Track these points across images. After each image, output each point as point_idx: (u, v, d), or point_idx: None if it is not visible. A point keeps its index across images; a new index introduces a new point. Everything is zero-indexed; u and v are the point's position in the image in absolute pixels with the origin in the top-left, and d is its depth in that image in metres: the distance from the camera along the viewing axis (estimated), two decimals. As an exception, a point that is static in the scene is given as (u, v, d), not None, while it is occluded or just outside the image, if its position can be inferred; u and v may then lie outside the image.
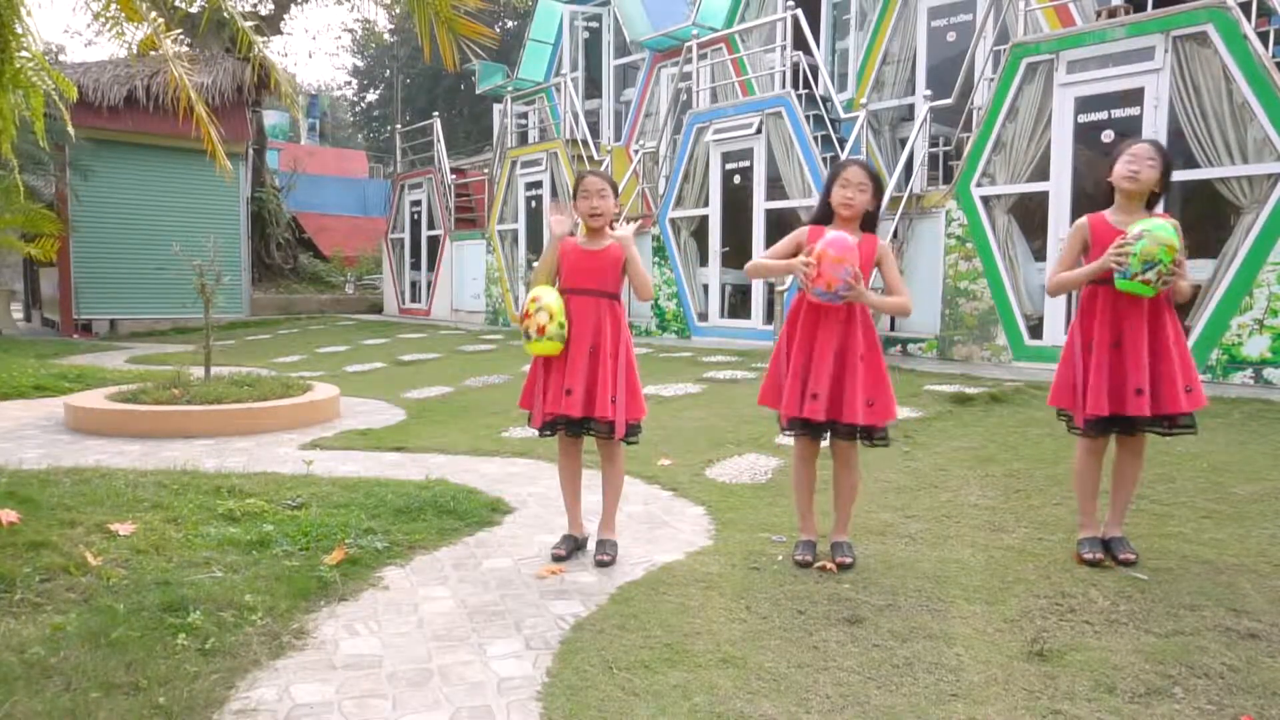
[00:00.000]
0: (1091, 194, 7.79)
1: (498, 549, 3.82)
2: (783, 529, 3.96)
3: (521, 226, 15.02)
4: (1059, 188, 8.02)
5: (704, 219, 11.64)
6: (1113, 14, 7.93)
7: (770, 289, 10.50)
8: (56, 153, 14.24)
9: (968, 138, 8.80)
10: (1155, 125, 7.37)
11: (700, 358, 9.17)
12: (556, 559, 3.64)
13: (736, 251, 11.22)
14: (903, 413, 6.01)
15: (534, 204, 14.69)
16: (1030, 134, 8.22)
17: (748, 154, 10.97)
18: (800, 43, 10.89)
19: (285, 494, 4.37)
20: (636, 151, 13.93)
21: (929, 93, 9.99)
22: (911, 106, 11.14)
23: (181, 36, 15.83)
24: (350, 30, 43.26)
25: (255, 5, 21.89)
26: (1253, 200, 6.93)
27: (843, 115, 11.27)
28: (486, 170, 18.12)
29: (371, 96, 43.73)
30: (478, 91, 21.22)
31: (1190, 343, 7.03)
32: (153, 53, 5.77)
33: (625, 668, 2.63)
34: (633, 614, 3.04)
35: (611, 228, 3.70)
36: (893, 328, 9.71)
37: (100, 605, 2.93)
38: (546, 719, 2.37)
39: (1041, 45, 8.10)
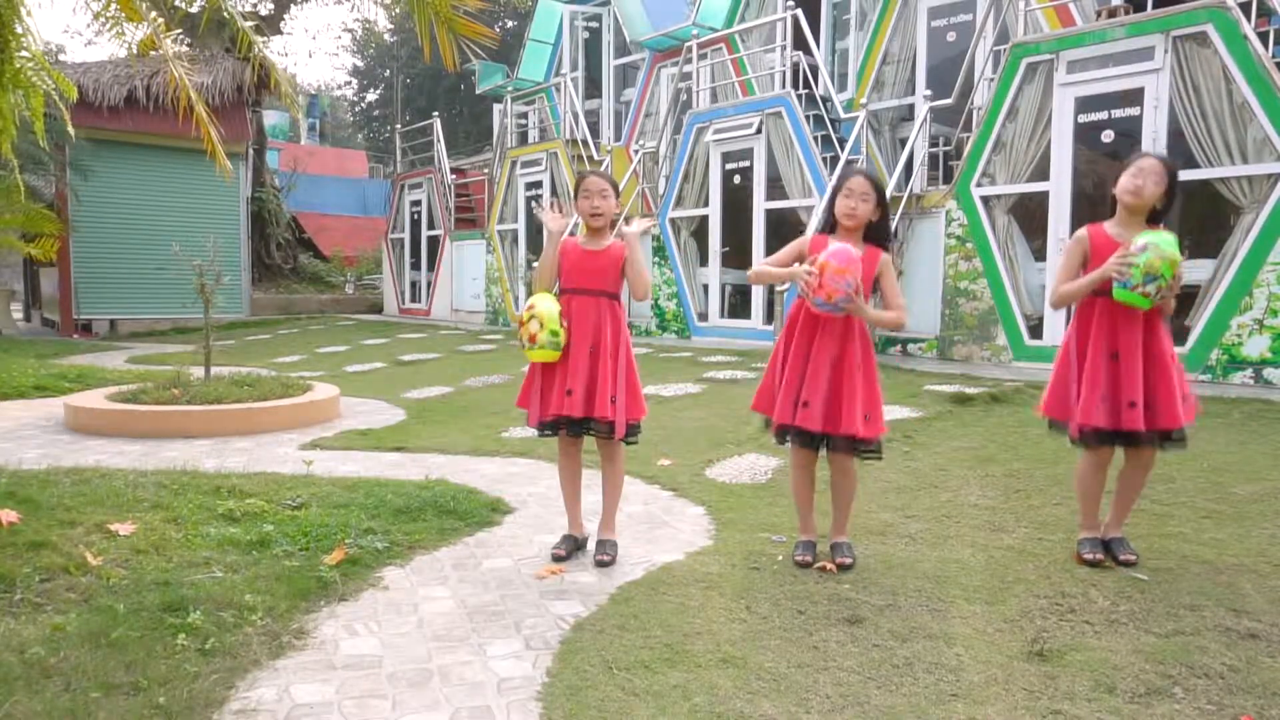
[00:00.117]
0: (1091, 195, 7.80)
1: (498, 549, 3.82)
2: (783, 529, 3.96)
3: (521, 226, 15.02)
4: (1059, 188, 8.01)
5: (704, 219, 11.64)
6: (1113, 14, 7.93)
7: (770, 289, 10.50)
8: (56, 153, 14.24)
9: (968, 138, 8.80)
10: (1155, 125, 7.38)
11: (700, 358, 9.17)
12: (556, 559, 3.64)
13: (736, 251, 11.22)
14: (903, 413, 6.01)
15: (534, 204, 14.69)
16: (1030, 134, 8.22)
17: (748, 154, 10.97)
18: (800, 43, 10.89)
19: (285, 494, 4.37)
20: (636, 151, 13.93)
21: (929, 93, 9.99)
22: (911, 106, 11.13)
23: (181, 36, 15.85)
24: (350, 30, 43.30)
25: (255, 5, 21.89)
26: (1253, 200, 6.93)
27: (843, 115, 11.27)
28: (486, 170, 18.13)
29: (371, 96, 43.74)
30: (478, 91, 21.22)
31: (1190, 343, 7.07)
32: (153, 53, 5.77)
33: (625, 668, 2.63)
34: (633, 614, 3.04)
35: (612, 227, 3.70)
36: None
37: (100, 605, 2.93)
38: (546, 719, 2.37)
39: (1041, 45, 8.10)
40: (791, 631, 2.90)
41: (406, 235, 18.57)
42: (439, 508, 4.20)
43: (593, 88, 17.18)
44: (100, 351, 13.13)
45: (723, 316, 11.56)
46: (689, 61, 12.14)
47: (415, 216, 18.26)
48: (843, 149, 10.46)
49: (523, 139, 16.61)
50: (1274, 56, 7.03)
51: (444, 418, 7.08)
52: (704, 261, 11.73)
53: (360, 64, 43.12)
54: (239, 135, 16.93)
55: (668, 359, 9.26)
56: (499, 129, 16.97)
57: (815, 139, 10.20)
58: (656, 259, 12.11)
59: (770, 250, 10.58)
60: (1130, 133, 7.53)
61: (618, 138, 16.11)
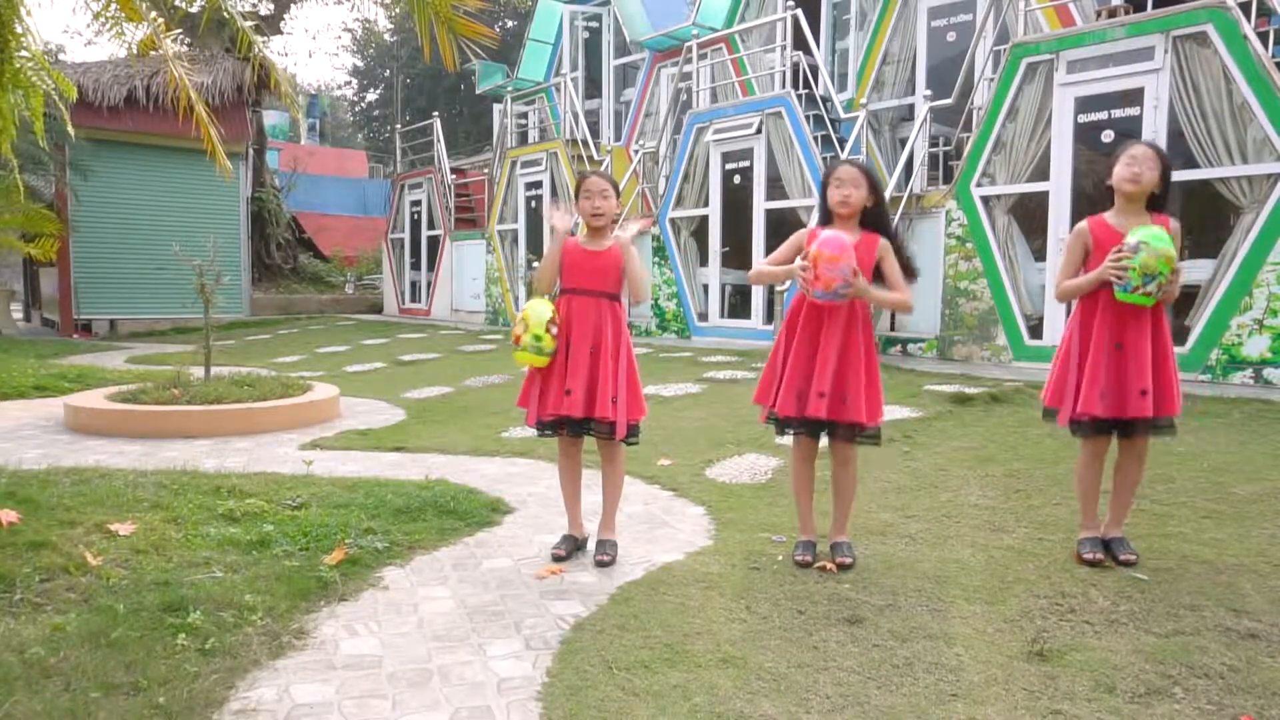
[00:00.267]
0: (1091, 195, 7.80)
1: (498, 549, 3.81)
2: (783, 529, 3.96)
3: (521, 226, 15.02)
4: (1059, 188, 8.02)
5: (704, 219, 11.64)
6: (1113, 14, 7.93)
7: (770, 289, 10.50)
8: (56, 153, 14.24)
9: (968, 138, 8.80)
10: (1155, 125, 7.37)
11: (700, 358, 9.17)
12: (556, 559, 3.64)
13: (736, 251, 11.22)
14: (903, 413, 6.01)
15: (534, 204, 14.70)
16: (1030, 134, 8.22)
17: (748, 154, 10.97)
18: (800, 43, 10.89)
19: (285, 494, 4.37)
20: (636, 151, 13.93)
21: (929, 93, 9.99)
22: (911, 106, 11.14)
23: (181, 36, 15.86)
24: (350, 30, 43.30)
25: (255, 5, 21.89)
26: (1252, 200, 6.93)
27: (843, 115, 11.27)
28: (486, 170, 18.13)
29: (371, 96, 43.73)
30: (478, 91, 21.21)
31: (1190, 343, 7.07)
32: (153, 53, 5.77)
33: (625, 668, 2.63)
34: (633, 614, 3.04)
35: (613, 227, 3.70)
36: (893, 328, 9.71)
37: (100, 605, 2.93)
38: (546, 719, 2.37)
39: (1041, 45, 8.10)
40: (791, 631, 2.90)
41: (406, 235, 18.57)
42: (439, 508, 4.20)
43: (593, 88, 17.18)
44: (100, 351, 13.13)
45: (723, 316, 11.56)
46: (689, 61, 12.14)
47: (415, 216, 18.26)
48: (843, 149, 10.47)
49: (523, 139, 16.61)
50: (1274, 56, 7.03)
51: (444, 418, 7.08)
52: (704, 261, 11.73)
53: (360, 64, 43.12)
54: (239, 135, 16.93)
55: (668, 359, 9.26)
56: (499, 129, 16.97)
57: (815, 139, 10.20)
58: (656, 259, 12.11)
59: (770, 250, 10.57)
60: (1130, 133, 7.52)
61: (618, 138, 16.12)
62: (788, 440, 3.68)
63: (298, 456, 5.61)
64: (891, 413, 5.70)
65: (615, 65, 16.56)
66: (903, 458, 5.11)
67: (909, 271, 3.50)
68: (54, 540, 3.45)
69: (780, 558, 3.60)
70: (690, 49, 12.14)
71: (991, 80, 8.90)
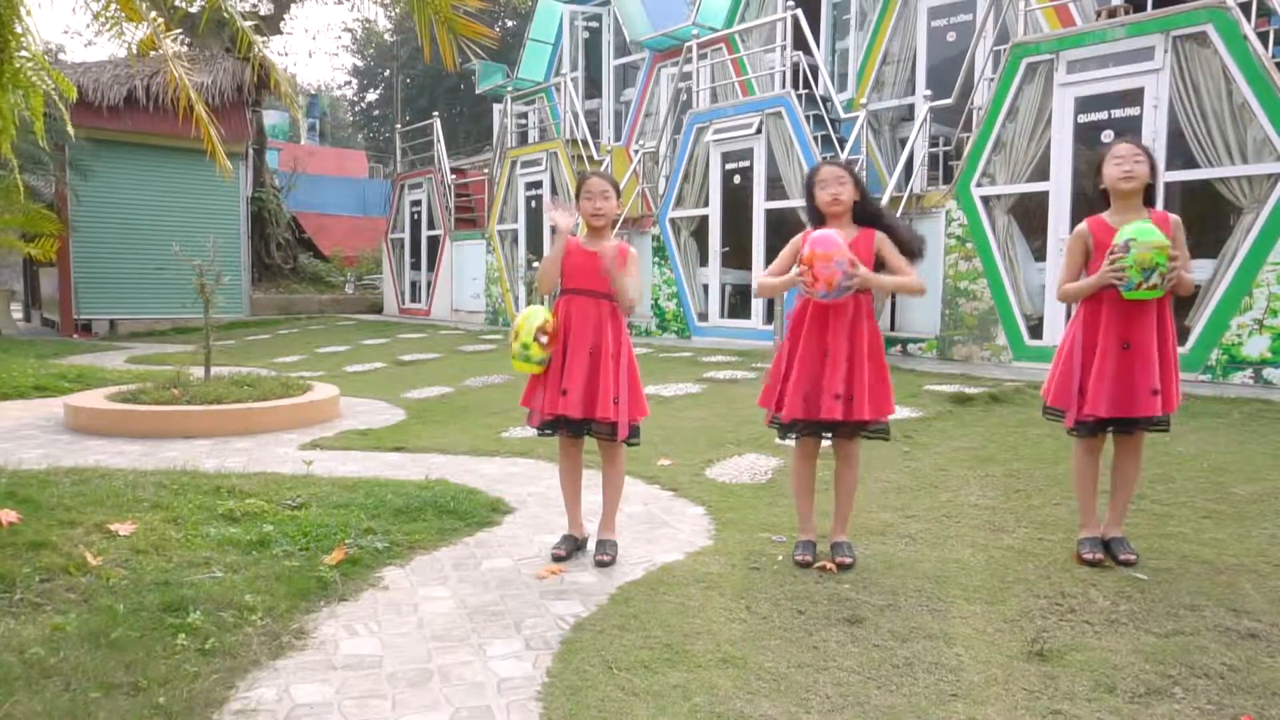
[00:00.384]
0: (1091, 195, 7.79)
1: (498, 549, 3.81)
2: (783, 529, 3.96)
3: (521, 226, 15.02)
4: (1059, 188, 8.02)
5: (704, 219, 11.64)
6: (1113, 14, 7.93)
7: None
8: (56, 153, 14.24)
9: (968, 138, 8.80)
10: (1155, 125, 7.38)
11: (700, 358, 9.17)
12: (556, 559, 3.64)
13: (736, 251, 11.22)
14: (903, 413, 6.01)
15: (534, 204, 14.70)
16: (1030, 134, 8.22)
17: (748, 154, 10.97)
18: (800, 43, 10.89)
19: (285, 494, 4.37)
20: (636, 151, 13.93)
21: (929, 93, 9.99)
22: (911, 106, 11.14)
23: (181, 36, 15.85)
24: (350, 30, 43.31)
25: (255, 5, 21.89)
26: (1253, 200, 6.93)
27: (843, 115, 11.27)
28: (486, 170, 18.13)
29: (371, 96, 43.75)
30: (478, 91, 21.21)
31: (1190, 343, 7.07)
32: (153, 53, 5.76)
33: (625, 668, 2.63)
34: (633, 614, 3.04)
35: (613, 227, 3.70)
36: (893, 327, 9.71)
37: (100, 605, 2.93)
38: (546, 719, 2.37)
39: (1041, 45, 8.10)
40: (791, 631, 2.90)
41: (406, 235, 18.57)
42: (439, 508, 4.20)
43: (593, 88, 17.18)
44: (100, 351, 13.13)
45: (723, 316, 11.56)
46: (689, 61, 12.14)
47: (415, 216, 18.26)
48: (843, 149, 10.47)
49: (523, 139, 16.61)
50: (1274, 56, 7.03)
51: (444, 418, 7.08)
52: (704, 261, 11.73)
53: (360, 64, 43.14)
54: (239, 135, 16.93)
55: (668, 359, 9.26)
56: (499, 129, 16.97)
57: (815, 139, 10.20)
58: (656, 259, 12.11)
59: (770, 250, 10.60)
60: (1130, 133, 7.53)
61: (618, 138, 16.12)
62: (789, 442, 3.68)
63: (298, 456, 5.61)
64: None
65: (615, 65, 16.56)
66: (903, 458, 5.11)
67: (912, 252, 3.49)
68: (54, 540, 3.45)
69: (780, 558, 3.60)
70: (690, 49, 12.14)
71: (991, 80, 8.90)
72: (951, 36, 10.94)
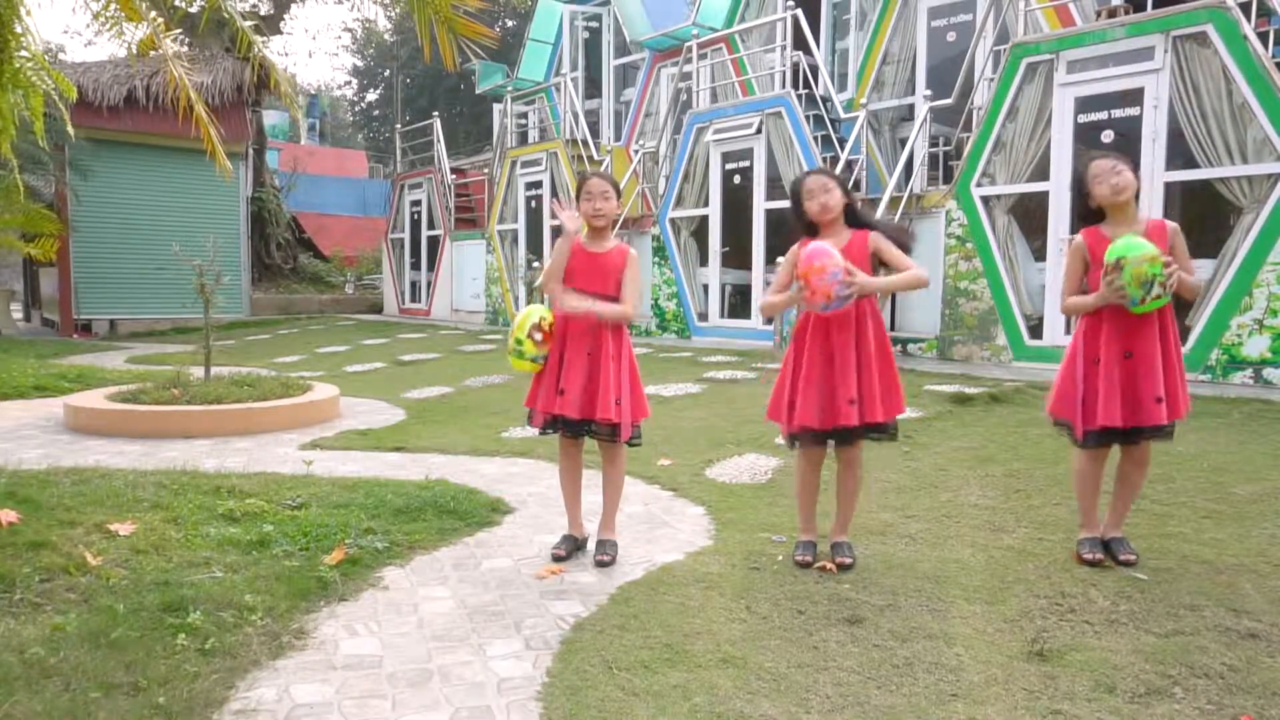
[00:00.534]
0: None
1: (498, 549, 3.82)
2: (783, 529, 3.96)
3: (521, 226, 15.02)
4: (1059, 188, 8.01)
5: (704, 219, 11.64)
6: (1113, 14, 7.93)
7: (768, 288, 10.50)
8: (56, 153, 14.24)
9: (968, 138, 8.80)
10: (1155, 125, 7.38)
11: (700, 358, 9.17)
12: (556, 559, 3.64)
13: (736, 251, 11.22)
14: (903, 413, 6.00)
15: (534, 204, 14.70)
16: (1030, 134, 8.22)
17: (748, 154, 10.97)
18: (800, 43, 10.89)
19: (285, 494, 4.37)
20: (636, 151, 13.93)
21: (929, 93, 9.99)
22: (911, 106, 11.13)
23: (181, 36, 15.85)
24: (350, 30, 43.32)
25: (255, 5, 21.89)
26: (1253, 200, 6.93)
27: (843, 115, 11.28)
28: (486, 170, 18.13)
29: (371, 96, 43.76)
30: (478, 91, 21.22)
31: (1190, 343, 7.07)
32: (152, 53, 5.76)
33: (625, 668, 2.63)
34: (633, 614, 3.04)
35: (613, 227, 3.70)
36: (893, 327, 9.71)
37: (100, 605, 2.93)
38: (546, 719, 2.37)
39: (1041, 45, 8.10)
40: (791, 631, 2.90)
41: (406, 235, 18.57)
42: (439, 508, 4.20)
43: (593, 88, 17.18)
44: (100, 351, 13.13)
45: (723, 316, 11.57)
46: (689, 61, 12.14)
47: (415, 216, 18.26)
48: (843, 149, 10.47)
49: (523, 139, 16.61)
50: (1274, 56, 7.03)
51: (444, 418, 7.08)
52: (704, 261, 11.73)
53: (360, 64, 43.14)
54: (239, 135, 16.93)
55: (668, 359, 9.26)
56: (499, 129, 16.97)
57: (815, 139, 10.21)
58: (656, 259, 12.11)
59: (770, 250, 10.60)
60: (1130, 133, 7.53)
61: (618, 138, 16.12)
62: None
63: (298, 456, 5.61)
64: (891, 413, 5.70)
65: (615, 65, 16.56)
66: (903, 458, 5.11)
67: (904, 245, 3.48)
68: (54, 540, 3.45)
69: (780, 558, 3.60)
70: (690, 49, 12.15)
71: (991, 80, 8.90)
72: (951, 36, 10.94)
